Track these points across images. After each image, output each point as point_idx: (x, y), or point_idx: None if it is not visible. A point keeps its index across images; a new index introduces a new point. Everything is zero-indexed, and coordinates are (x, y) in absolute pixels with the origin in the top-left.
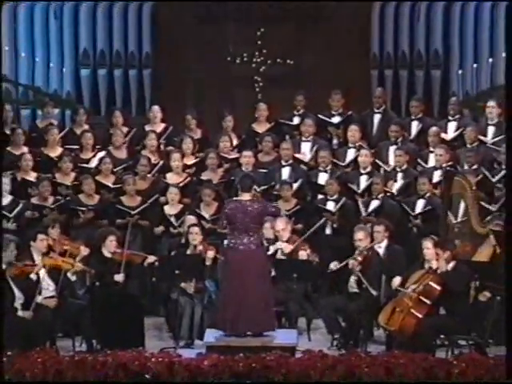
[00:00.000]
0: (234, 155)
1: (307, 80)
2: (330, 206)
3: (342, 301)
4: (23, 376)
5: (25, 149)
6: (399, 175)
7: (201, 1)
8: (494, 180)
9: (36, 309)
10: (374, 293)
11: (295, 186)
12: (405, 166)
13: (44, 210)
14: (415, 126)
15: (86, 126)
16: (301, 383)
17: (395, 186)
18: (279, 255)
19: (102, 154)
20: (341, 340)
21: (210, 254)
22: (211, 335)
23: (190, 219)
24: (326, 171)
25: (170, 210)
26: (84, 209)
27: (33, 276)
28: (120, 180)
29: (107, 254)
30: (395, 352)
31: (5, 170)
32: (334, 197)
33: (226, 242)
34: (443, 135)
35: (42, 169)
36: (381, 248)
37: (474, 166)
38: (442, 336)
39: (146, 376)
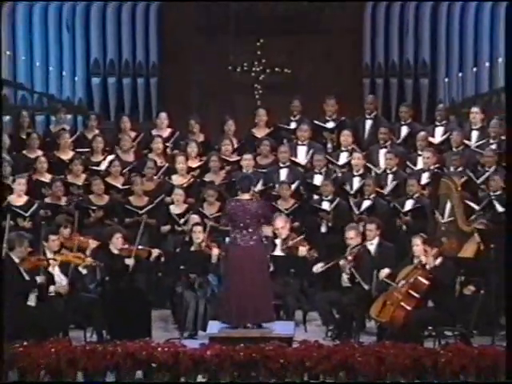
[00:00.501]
0: (234, 158)
1: (303, 88)
2: (325, 205)
3: (336, 294)
4: (38, 365)
5: (39, 152)
6: (389, 177)
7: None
8: (478, 182)
9: (50, 302)
10: (366, 287)
11: (293, 186)
12: (395, 169)
13: (58, 208)
14: (404, 131)
15: (97, 131)
16: (298, 371)
17: (387, 188)
18: (278, 252)
19: (111, 157)
20: (335, 331)
21: (215, 251)
22: (214, 327)
23: (194, 218)
24: (320, 173)
25: (176, 209)
26: (94, 208)
27: (49, 269)
28: (128, 181)
29: (114, 251)
30: (386, 342)
31: (21, 172)
32: (329, 197)
33: (227, 239)
34: (431, 139)
35: (54, 171)
36: (372, 245)
37: (460, 169)
38: (429, 327)
39: (153, 365)
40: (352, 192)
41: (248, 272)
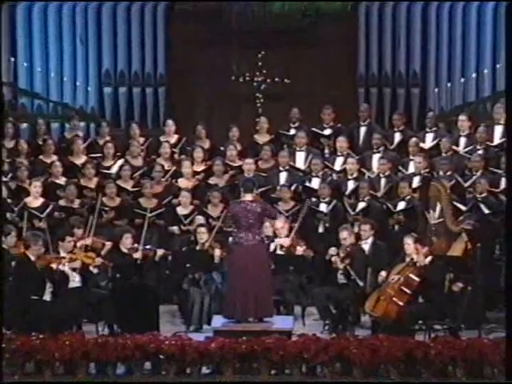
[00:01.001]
0: (237, 163)
1: (302, 97)
2: (323, 207)
3: (333, 291)
4: (53, 356)
5: (54, 157)
6: (382, 181)
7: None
8: (465, 185)
9: (64, 297)
10: (361, 283)
11: (292, 189)
12: (387, 173)
13: (71, 210)
14: (397, 137)
15: (108, 137)
16: (296, 363)
17: (380, 190)
18: (278, 251)
19: (121, 161)
20: (332, 325)
21: (218, 253)
22: (218, 321)
23: (199, 219)
24: (318, 176)
25: (182, 210)
26: (107, 209)
27: (61, 267)
28: (137, 184)
29: (124, 250)
30: (379, 335)
31: (38, 176)
32: (326, 199)
33: (230, 238)
34: (421, 145)
35: (68, 175)
36: (367, 244)
37: (449, 173)
38: (420, 321)
39: (161, 356)
40: (347, 194)
41: (250, 270)
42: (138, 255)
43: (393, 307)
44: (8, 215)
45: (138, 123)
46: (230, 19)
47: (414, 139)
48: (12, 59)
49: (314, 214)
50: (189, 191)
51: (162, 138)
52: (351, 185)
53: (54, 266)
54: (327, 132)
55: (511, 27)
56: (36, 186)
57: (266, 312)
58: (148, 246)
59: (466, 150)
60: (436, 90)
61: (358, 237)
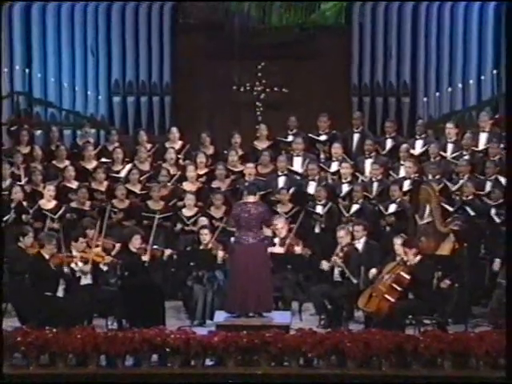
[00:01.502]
0: (239, 168)
1: (299, 105)
2: (319, 209)
3: (328, 288)
4: (66, 349)
5: (67, 162)
6: (375, 184)
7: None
8: (453, 189)
9: (76, 293)
10: (355, 281)
11: (290, 192)
12: (379, 177)
13: (82, 212)
14: (389, 143)
15: (117, 144)
16: (294, 356)
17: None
18: (277, 250)
19: (129, 166)
20: (327, 320)
21: (220, 253)
22: (220, 316)
23: (202, 221)
24: (314, 180)
25: (187, 212)
26: (116, 210)
27: (72, 265)
28: (145, 187)
29: (133, 249)
30: (372, 330)
31: (50, 180)
32: (322, 201)
33: (232, 238)
34: (411, 151)
35: (80, 178)
36: (360, 244)
37: (437, 177)
38: (410, 316)
39: (167, 349)
40: (341, 196)
41: (251, 268)
42: (146, 256)
43: (385, 303)
44: (23, 217)
45: (146, 130)
46: (231, 32)
47: (404, 145)
48: (27, 70)
49: (311, 215)
50: (193, 194)
51: (167, 145)
52: (345, 188)
53: (66, 264)
54: (323, 138)
55: None
56: (49, 190)
57: (265, 308)
58: (155, 246)
59: (453, 155)
60: (425, 99)
61: (352, 237)
